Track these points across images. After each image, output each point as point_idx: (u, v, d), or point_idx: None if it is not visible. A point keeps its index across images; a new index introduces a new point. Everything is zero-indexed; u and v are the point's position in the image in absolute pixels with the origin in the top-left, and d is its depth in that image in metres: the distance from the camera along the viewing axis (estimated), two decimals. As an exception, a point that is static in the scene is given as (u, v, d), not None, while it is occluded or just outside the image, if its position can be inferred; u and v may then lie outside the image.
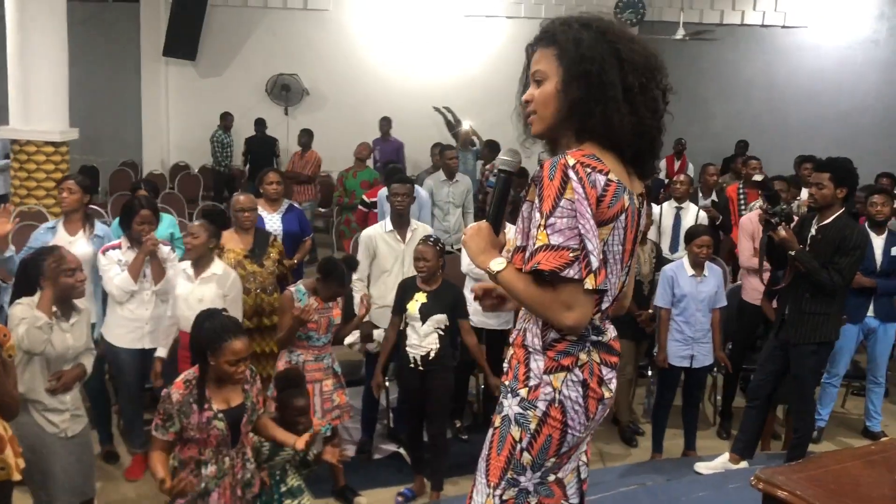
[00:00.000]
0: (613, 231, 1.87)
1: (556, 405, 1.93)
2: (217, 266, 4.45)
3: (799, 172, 8.41)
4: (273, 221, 5.54)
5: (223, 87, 12.08)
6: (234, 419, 3.18)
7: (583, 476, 2.10)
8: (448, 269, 4.73)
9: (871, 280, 5.28)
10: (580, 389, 1.93)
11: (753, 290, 5.49)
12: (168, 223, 5.41)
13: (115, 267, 4.47)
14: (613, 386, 2.00)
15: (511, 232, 2.12)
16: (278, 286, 4.94)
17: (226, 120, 11.40)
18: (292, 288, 4.39)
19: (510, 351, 2.05)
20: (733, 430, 5.51)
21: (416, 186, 6.76)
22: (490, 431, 2.06)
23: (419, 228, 5.16)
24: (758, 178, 5.44)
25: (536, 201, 1.86)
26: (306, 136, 10.02)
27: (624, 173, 1.90)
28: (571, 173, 1.80)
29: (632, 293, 2.16)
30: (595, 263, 1.81)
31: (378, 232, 5.14)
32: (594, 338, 1.95)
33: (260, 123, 11.20)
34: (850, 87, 11.26)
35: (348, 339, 4.96)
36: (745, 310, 5.60)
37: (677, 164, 10.62)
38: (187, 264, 4.47)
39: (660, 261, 5.48)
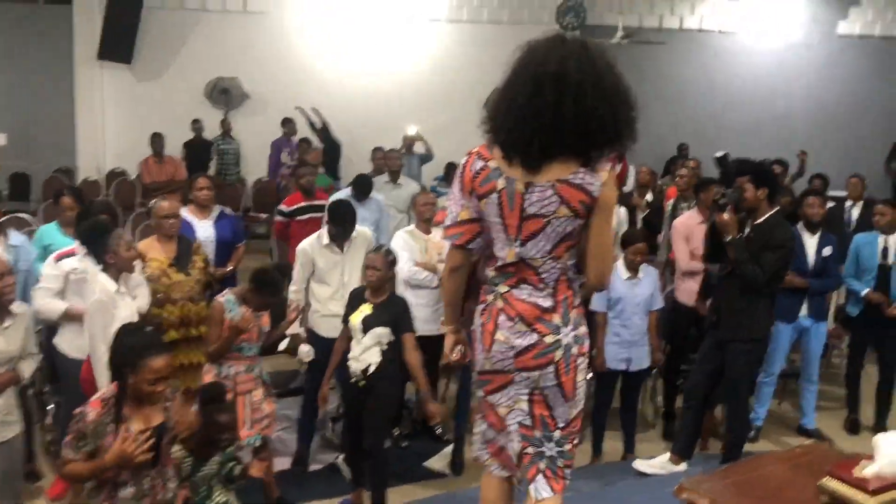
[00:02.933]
0: (487, 205, 2.41)
1: (473, 329, 2.58)
2: (137, 276, 4.31)
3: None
4: (205, 229, 5.39)
5: (161, 91, 11.79)
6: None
7: (521, 421, 2.51)
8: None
9: (804, 280, 5.35)
10: (479, 322, 2.53)
11: (688, 291, 5.52)
12: (48, 234, 5.06)
13: (53, 281, 4.23)
14: (516, 338, 2.44)
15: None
16: (205, 295, 4.79)
17: (226, 124, 11.16)
18: (222, 297, 4.24)
19: None
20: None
21: (374, 193, 6.65)
22: None
23: (359, 235, 5.04)
24: (719, 154, 5.43)
25: None
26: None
27: (514, 164, 2.36)
28: (465, 158, 2.47)
29: (596, 274, 2.44)
30: (448, 221, 2.52)
31: (314, 246, 4.98)
32: (495, 287, 2.50)
33: (196, 124, 10.96)
34: (784, 90, 11.49)
35: (303, 350, 4.87)
36: (679, 311, 5.63)
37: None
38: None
39: None
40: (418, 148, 9.79)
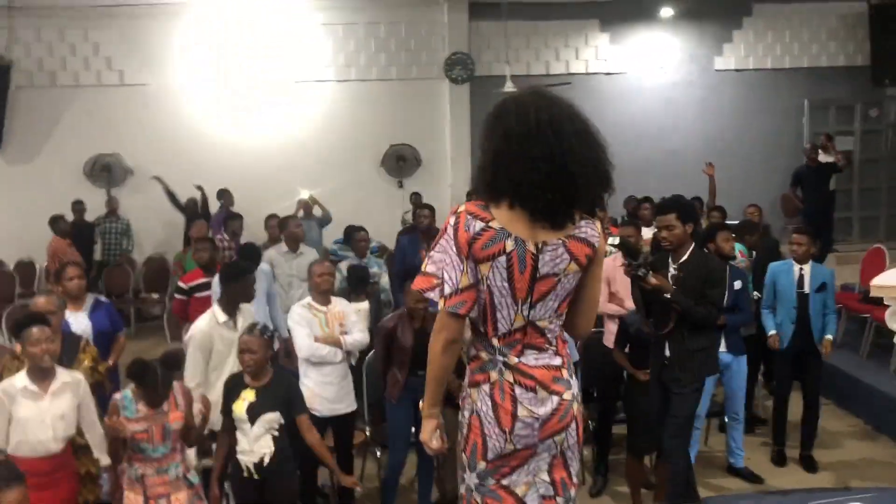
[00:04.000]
0: (493, 269, 2.23)
1: (475, 415, 2.31)
2: (63, 374, 3.89)
3: (637, 213, 8.57)
4: (79, 321, 4.91)
5: (37, 174, 11.12)
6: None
7: (542, 492, 2.36)
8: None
9: (720, 316, 5.25)
10: (489, 403, 2.28)
11: (612, 335, 5.34)
12: None
13: None
14: (538, 408, 2.28)
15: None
16: (94, 397, 4.30)
17: (112, 203, 10.62)
18: (118, 395, 3.85)
19: None
20: (614, 485, 5.42)
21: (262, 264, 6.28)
22: None
23: (245, 311, 4.66)
24: (613, 240, 5.34)
25: None
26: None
27: (520, 223, 2.22)
28: (452, 219, 2.28)
29: (585, 326, 2.44)
30: (447, 290, 2.24)
31: (212, 325, 4.56)
32: (501, 359, 2.29)
33: (78, 206, 10.33)
34: (673, 125, 11.76)
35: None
36: (608, 357, 5.43)
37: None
38: (21, 381, 3.79)
39: None
40: (315, 211, 9.47)
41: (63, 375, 3.89)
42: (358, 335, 4.99)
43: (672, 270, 4.38)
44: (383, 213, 10.64)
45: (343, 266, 6.70)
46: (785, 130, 12.09)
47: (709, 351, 4.44)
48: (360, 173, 11.42)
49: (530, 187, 2.19)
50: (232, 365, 4.51)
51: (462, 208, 2.27)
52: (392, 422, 4.91)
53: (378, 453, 5.39)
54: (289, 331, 5.06)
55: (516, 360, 2.30)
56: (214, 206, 10.37)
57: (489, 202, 2.26)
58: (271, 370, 4.05)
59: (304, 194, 9.67)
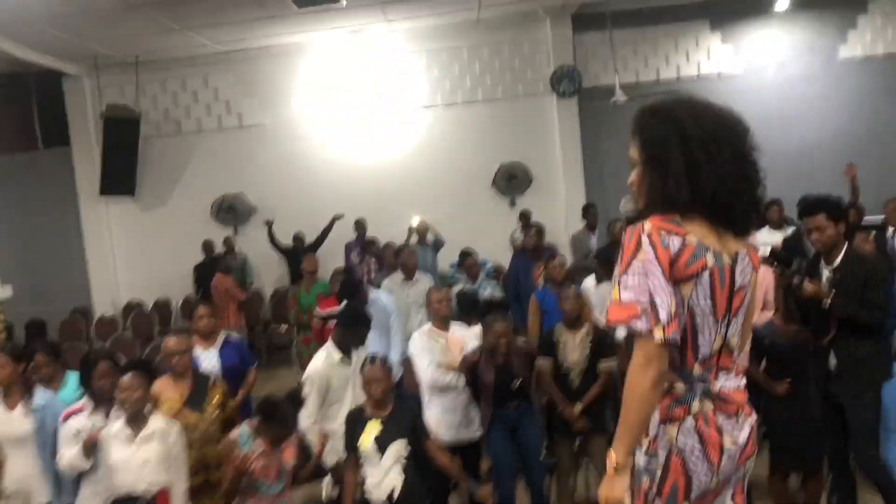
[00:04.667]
0: (696, 287, 2.04)
1: (676, 454, 2.08)
2: (156, 421, 3.98)
3: (766, 216, 8.13)
4: (210, 358, 5.08)
5: (167, 217, 11.77)
6: None
7: None
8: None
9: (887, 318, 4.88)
10: (696, 437, 2.07)
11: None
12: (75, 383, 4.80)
13: (70, 441, 3.97)
14: (742, 435, 2.13)
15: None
16: (224, 434, 4.43)
17: (229, 242, 11.13)
18: (235, 432, 3.92)
19: None
20: None
21: (378, 293, 6.36)
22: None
23: (367, 346, 4.71)
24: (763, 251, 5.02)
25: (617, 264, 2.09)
26: None
27: (711, 235, 2.07)
28: (644, 238, 2.03)
29: (749, 337, 2.25)
30: (664, 316, 1.98)
31: (327, 363, 4.63)
32: (701, 388, 2.10)
33: (208, 246, 10.82)
34: (795, 123, 11.17)
35: (325, 481, 4.47)
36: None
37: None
38: (118, 425, 3.97)
39: (601, 344, 4.94)
40: (429, 237, 9.53)
41: (155, 422, 3.98)
42: (480, 359, 4.94)
43: (826, 274, 4.12)
44: (496, 233, 10.56)
45: (455, 291, 6.69)
46: (923, 118, 11.27)
47: (879, 356, 4.15)
48: (472, 195, 11.44)
49: (727, 194, 2.07)
50: (349, 396, 4.54)
51: (649, 225, 2.05)
52: (494, 454, 4.77)
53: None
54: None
55: (717, 386, 2.13)
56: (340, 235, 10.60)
57: (678, 215, 2.08)
58: (393, 400, 4.04)
59: (415, 221, 9.75)
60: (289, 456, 3.92)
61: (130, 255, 11.85)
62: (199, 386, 4.46)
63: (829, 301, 3.98)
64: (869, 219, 8.17)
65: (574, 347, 4.86)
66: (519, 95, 11.57)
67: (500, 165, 11.45)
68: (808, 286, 4.00)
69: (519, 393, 4.71)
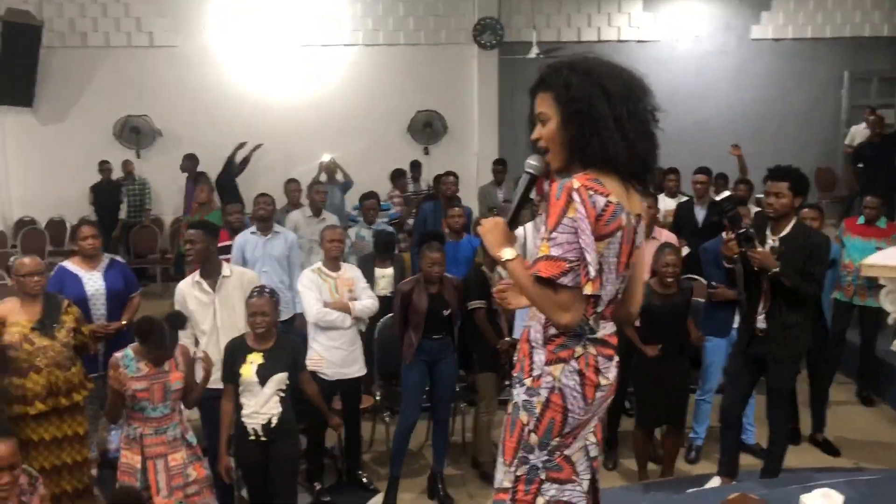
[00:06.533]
0: (610, 245, 2.14)
1: (557, 392, 2.20)
2: (226, 268, 4.38)
3: (663, 184, 8.38)
4: (94, 280, 4.95)
5: (67, 133, 11.23)
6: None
7: (591, 454, 2.34)
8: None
9: (735, 292, 5.16)
10: (577, 378, 2.20)
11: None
12: None
13: None
14: (612, 374, 2.26)
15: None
16: (77, 358, 4.36)
17: (128, 165, 10.72)
18: (119, 353, 3.86)
19: (518, 346, 2.34)
20: (620, 458, 5.45)
21: (280, 227, 6.26)
22: (504, 417, 2.35)
23: (235, 273, 4.57)
24: (718, 197, 5.03)
25: (543, 216, 2.16)
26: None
27: (623, 193, 2.16)
28: (575, 195, 2.08)
29: (639, 302, 2.40)
30: (593, 273, 2.10)
31: (185, 284, 4.54)
32: (589, 334, 2.21)
33: (105, 165, 10.45)
34: (704, 95, 11.52)
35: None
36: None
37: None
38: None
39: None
40: (338, 177, 9.46)
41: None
42: (367, 301, 5.00)
43: (771, 242, 4.28)
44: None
45: (352, 233, 6.72)
46: (822, 103, 11.79)
47: (805, 326, 4.36)
48: (387, 139, 11.38)
49: (644, 153, 2.16)
50: (209, 325, 4.47)
51: (577, 183, 2.09)
52: (406, 383, 4.95)
53: (387, 418, 5.42)
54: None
55: (602, 332, 2.25)
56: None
57: (597, 173, 2.13)
58: (275, 334, 4.06)
59: (325, 157, 9.66)
60: (176, 377, 3.90)
61: (25, 170, 11.29)
62: (50, 309, 4.29)
63: (776, 270, 4.14)
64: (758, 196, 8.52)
65: None
66: (441, 43, 11.49)
67: (416, 112, 11.40)
68: (760, 253, 4.15)
69: (447, 324, 4.88)
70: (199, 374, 4.15)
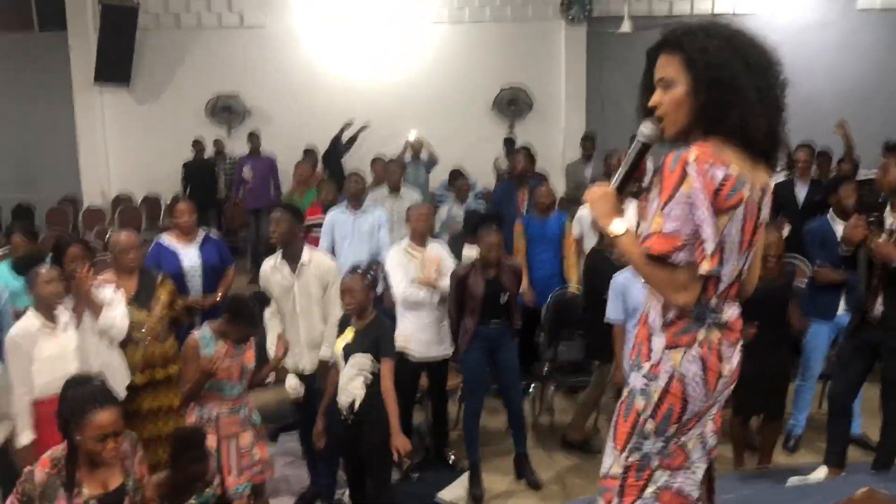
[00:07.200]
0: (731, 221, 2.00)
1: (677, 379, 2.09)
2: (306, 253, 4.39)
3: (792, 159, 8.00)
4: (190, 255, 5.06)
5: (161, 112, 11.60)
6: (111, 505, 2.70)
7: (710, 444, 2.23)
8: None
9: (841, 274, 4.90)
10: (699, 365, 2.08)
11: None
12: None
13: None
14: (735, 360, 2.14)
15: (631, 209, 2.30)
16: (172, 332, 4.42)
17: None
18: (197, 333, 3.85)
19: (636, 329, 2.23)
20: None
21: (370, 205, 6.25)
22: (618, 402, 2.25)
23: (314, 260, 4.47)
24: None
25: (656, 190, 2.03)
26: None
27: (747, 167, 2.01)
28: (690, 168, 1.95)
29: (754, 280, 2.25)
30: (710, 249, 1.96)
31: (267, 266, 4.50)
32: (712, 318, 2.09)
33: (198, 145, 10.70)
34: (807, 70, 10.95)
35: (289, 384, 4.49)
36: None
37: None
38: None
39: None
40: (423, 154, 9.43)
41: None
42: (452, 279, 4.94)
43: (890, 220, 4.04)
44: (492, 156, 10.44)
45: (444, 211, 6.66)
46: (936, 76, 11.09)
47: None
48: (471, 116, 11.29)
49: (776, 125, 2.05)
50: (289, 310, 4.44)
51: (693, 155, 1.96)
52: (466, 370, 4.80)
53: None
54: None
55: (726, 315, 2.12)
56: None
57: (720, 143, 2.00)
58: (373, 312, 3.97)
59: (412, 135, 9.63)
60: (250, 357, 3.92)
61: (122, 147, 11.72)
62: (145, 284, 4.34)
63: None
64: (867, 172, 8.07)
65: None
66: (528, 18, 11.30)
67: (501, 89, 11.26)
68: (879, 243, 3.94)
69: (504, 310, 4.72)
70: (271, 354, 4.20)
